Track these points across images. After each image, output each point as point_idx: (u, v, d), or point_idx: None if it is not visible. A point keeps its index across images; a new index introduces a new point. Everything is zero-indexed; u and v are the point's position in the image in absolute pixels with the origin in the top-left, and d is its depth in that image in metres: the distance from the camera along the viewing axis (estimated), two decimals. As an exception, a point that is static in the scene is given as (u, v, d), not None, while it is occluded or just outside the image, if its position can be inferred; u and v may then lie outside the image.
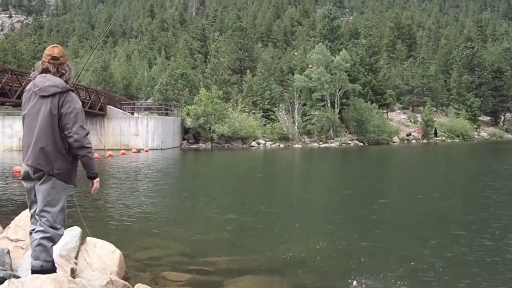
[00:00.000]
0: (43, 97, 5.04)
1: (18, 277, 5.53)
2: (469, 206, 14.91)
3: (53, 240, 5.12)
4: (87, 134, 5.04)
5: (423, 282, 7.31)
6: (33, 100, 5.12)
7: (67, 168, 5.08)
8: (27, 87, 5.31)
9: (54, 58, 5.28)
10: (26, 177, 5.19)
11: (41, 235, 5.01)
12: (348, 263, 8.23)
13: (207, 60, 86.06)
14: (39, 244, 5.01)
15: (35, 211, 5.18)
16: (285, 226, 11.55)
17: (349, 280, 7.21)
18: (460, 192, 18.45)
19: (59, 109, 4.99)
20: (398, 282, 7.23)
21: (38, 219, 5.08)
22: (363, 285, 6.64)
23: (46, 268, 5.05)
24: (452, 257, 8.69)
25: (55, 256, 6.15)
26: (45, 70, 5.26)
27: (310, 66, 67.34)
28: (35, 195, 5.16)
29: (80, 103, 5.14)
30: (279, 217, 12.78)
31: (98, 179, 5.27)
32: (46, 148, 4.98)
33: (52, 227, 5.05)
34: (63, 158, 5.04)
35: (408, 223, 12.38)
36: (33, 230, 5.13)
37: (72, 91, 5.15)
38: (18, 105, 41.73)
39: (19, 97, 33.80)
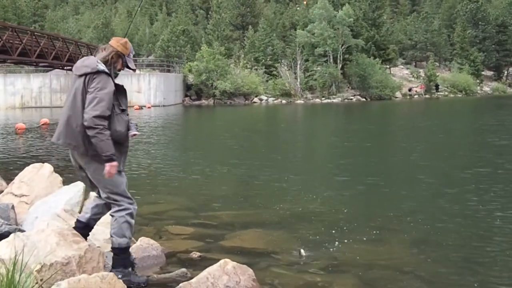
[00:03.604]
0: (78, 76, 4.94)
1: (23, 231, 5.61)
2: (462, 164, 14.96)
3: (133, 215, 5.06)
4: (101, 117, 4.73)
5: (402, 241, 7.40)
6: (73, 79, 5.04)
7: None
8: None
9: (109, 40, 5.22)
10: (77, 167, 5.09)
11: (124, 212, 4.96)
12: (345, 217, 8.31)
13: (208, 16, 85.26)
14: (125, 221, 4.95)
15: (98, 192, 5.14)
16: (287, 181, 11.61)
17: (345, 233, 7.31)
18: (456, 149, 18.52)
19: (87, 89, 4.84)
20: (382, 235, 7.34)
21: (112, 203, 5.02)
22: (311, 252, 6.66)
23: (130, 245, 5.07)
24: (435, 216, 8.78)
25: (60, 211, 6.24)
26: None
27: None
28: (91, 181, 5.06)
29: (108, 88, 4.86)
30: (281, 172, 12.83)
31: (112, 163, 4.85)
32: (77, 128, 4.82)
33: (129, 203, 5.01)
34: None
35: (402, 178, 12.45)
36: (112, 211, 5.05)
37: (107, 73, 4.91)
38: (19, 62, 41.54)
39: (20, 54, 33.68)
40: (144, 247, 5.84)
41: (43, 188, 7.20)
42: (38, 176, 7.42)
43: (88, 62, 4.97)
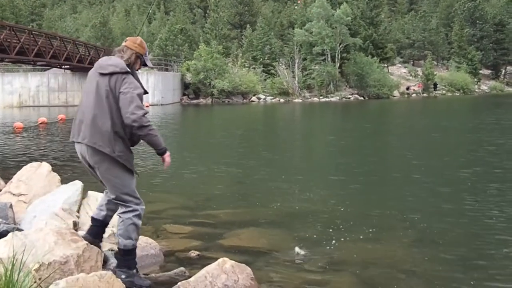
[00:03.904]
0: (102, 74, 4.86)
1: (21, 230, 5.62)
2: (458, 163, 14.99)
3: (141, 216, 5.01)
4: (146, 113, 4.75)
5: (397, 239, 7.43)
6: (93, 77, 4.95)
7: (127, 153, 4.89)
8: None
9: (125, 41, 5.17)
10: (87, 166, 5.00)
11: (131, 214, 4.89)
12: (342, 216, 8.33)
13: (206, 14, 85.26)
14: (132, 223, 4.88)
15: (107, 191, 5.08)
16: (284, 180, 11.62)
17: (342, 232, 7.33)
18: (452, 148, 18.55)
19: (116, 89, 4.79)
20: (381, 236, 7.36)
21: (120, 203, 4.96)
22: (309, 250, 6.65)
23: (135, 246, 5.01)
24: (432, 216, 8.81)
25: (58, 210, 6.24)
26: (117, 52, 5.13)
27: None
28: (101, 181, 5.01)
29: (140, 89, 4.89)
30: (278, 171, 12.86)
31: (168, 153, 5.00)
32: (103, 128, 4.74)
33: (137, 204, 4.95)
34: (122, 142, 4.83)
35: (398, 177, 12.44)
36: (119, 212, 5.01)
37: (133, 74, 4.94)
38: (17, 61, 41.64)
39: (18, 53, 33.71)
40: (142, 246, 5.84)
41: (41, 187, 7.20)
42: (36, 175, 7.42)
43: (115, 62, 4.92)
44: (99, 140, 4.75)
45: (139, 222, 4.99)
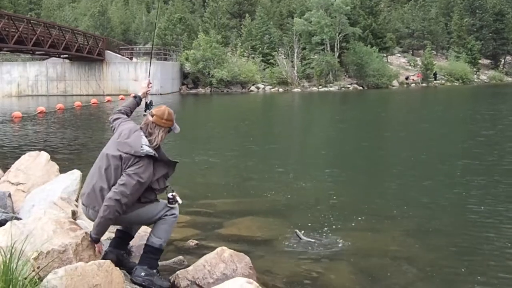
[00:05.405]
0: (117, 149, 4.71)
1: (20, 219, 5.61)
2: (452, 154, 15.02)
3: (177, 216, 4.88)
4: (125, 204, 4.55)
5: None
6: (112, 143, 4.83)
7: (138, 204, 4.75)
8: (122, 124, 5.08)
9: (152, 115, 4.89)
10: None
11: (170, 217, 4.80)
12: (338, 206, 8.37)
13: (205, 4, 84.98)
14: (166, 223, 4.79)
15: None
16: (282, 170, 11.65)
17: (338, 221, 7.35)
18: (447, 139, 18.56)
19: (125, 165, 4.62)
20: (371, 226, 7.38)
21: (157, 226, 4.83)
22: (304, 240, 6.66)
23: (162, 248, 4.85)
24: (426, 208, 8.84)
25: (56, 199, 6.24)
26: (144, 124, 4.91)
27: None
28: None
29: (148, 177, 4.66)
30: (276, 161, 12.86)
31: (99, 244, 4.70)
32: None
33: (168, 209, 4.83)
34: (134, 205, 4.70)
35: (393, 168, 12.46)
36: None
37: (152, 157, 4.69)
38: (16, 50, 41.60)
39: (17, 42, 33.63)
40: (141, 236, 5.84)
41: (40, 176, 7.20)
42: (34, 164, 7.42)
43: (133, 143, 4.72)
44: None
45: (173, 223, 4.87)
